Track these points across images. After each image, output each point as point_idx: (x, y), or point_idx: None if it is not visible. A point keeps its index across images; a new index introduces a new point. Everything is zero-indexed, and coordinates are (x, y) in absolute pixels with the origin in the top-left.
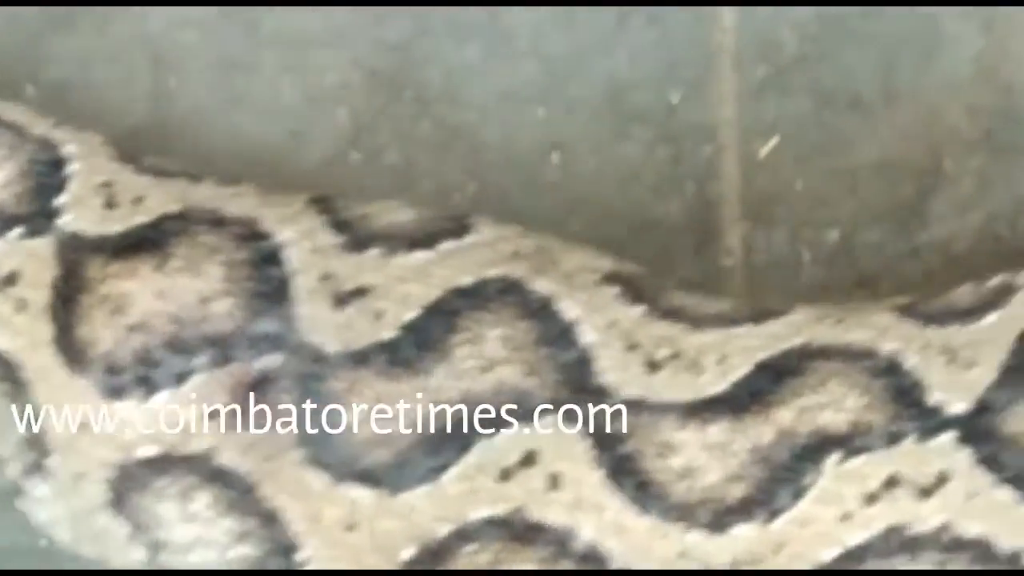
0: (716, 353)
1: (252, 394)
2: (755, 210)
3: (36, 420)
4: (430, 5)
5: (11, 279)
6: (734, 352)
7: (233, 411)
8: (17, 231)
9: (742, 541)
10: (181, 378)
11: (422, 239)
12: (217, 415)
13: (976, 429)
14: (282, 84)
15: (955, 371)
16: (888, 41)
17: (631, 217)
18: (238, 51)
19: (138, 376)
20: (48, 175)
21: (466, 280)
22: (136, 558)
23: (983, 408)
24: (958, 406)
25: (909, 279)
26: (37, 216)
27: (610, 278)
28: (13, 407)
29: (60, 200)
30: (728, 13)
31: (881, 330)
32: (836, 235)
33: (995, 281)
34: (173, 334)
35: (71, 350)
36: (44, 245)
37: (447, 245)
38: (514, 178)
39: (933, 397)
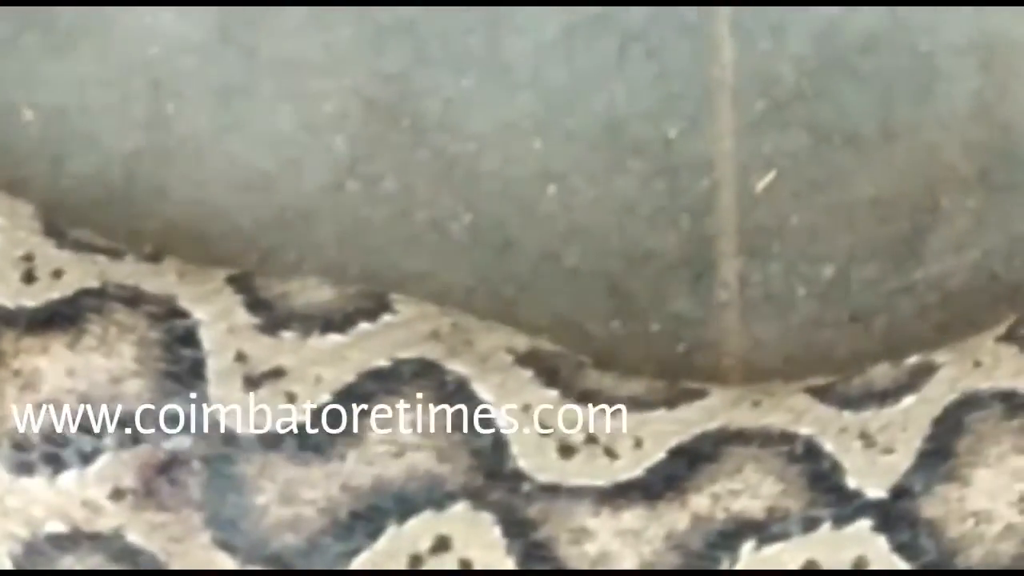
0: (631, 438)
1: (160, 476)
2: (751, 244)
3: None
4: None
5: None
6: (648, 437)
7: (140, 492)
8: None
9: None
10: (89, 458)
11: (338, 321)
12: (124, 495)
13: (893, 515)
14: (280, 111)
15: (872, 456)
16: (886, 78)
17: (627, 249)
18: (236, 77)
19: (46, 454)
20: None
21: (380, 362)
22: None
23: (900, 493)
24: (875, 491)
25: (903, 315)
26: None
27: (525, 359)
28: None
29: None
30: (727, 48)
31: (798, 414)
32: (831, 270)
33: (913, 360)
34: (83, 413)
35: None
36: None
37: (363, 327)
38: (511, 208)
39: (850, 482)
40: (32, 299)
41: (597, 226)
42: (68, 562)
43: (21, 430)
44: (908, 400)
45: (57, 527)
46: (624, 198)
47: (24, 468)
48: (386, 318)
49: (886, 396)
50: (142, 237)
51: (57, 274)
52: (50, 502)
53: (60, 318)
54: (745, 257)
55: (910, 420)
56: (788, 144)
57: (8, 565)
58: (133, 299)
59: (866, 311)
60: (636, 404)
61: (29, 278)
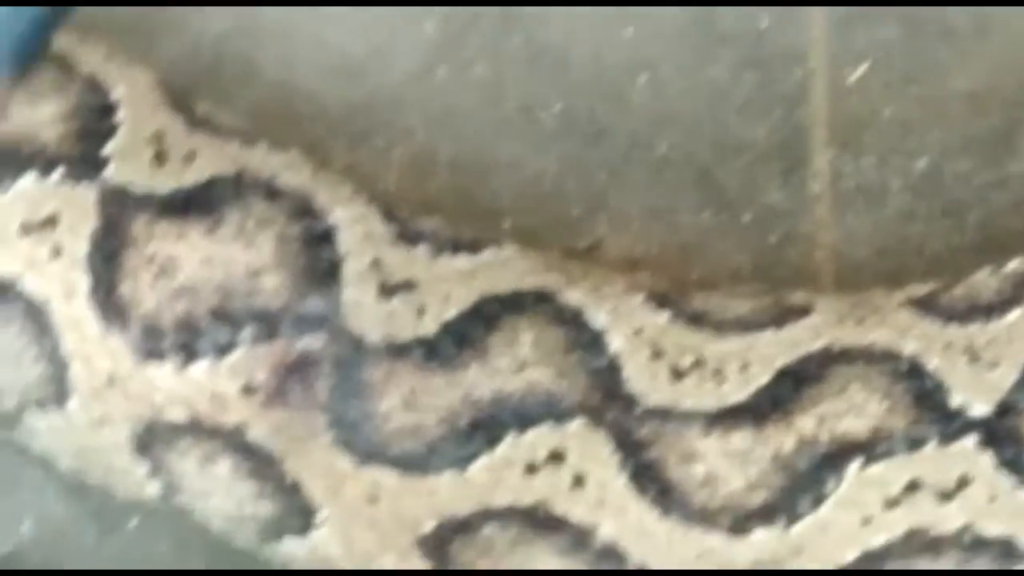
0: (738, 361)
1: (291, 374)
2: (843, 136)
3: (60, 365)
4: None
5: (49, 222)
6: (755, 360)
7: (270, 389)
8: (58, 174)
9: (762, 544)
10: (224, 349)
11: (465, 244)
12: (254, 391)
13: (998, 431)
14: None
15: (977, 372)
16: None
17: (719, 140)
18: None
19: (179, 342)
20: (96, 120)
21: (504, 288)
22: (150, 492)
23: (1005, 409)
24: (980, 408)
25: (997, 209)
26: (81, 162)
27: (635, 286)
28: (32, 346)
29: (107, 149)
30: None
31: (902, 330)
32: (924, 163)
33: (1015, 266)
34: (220, 304)
35: (109, 306)
36: (86, 193)
37: (487, 254)
38: (601, 97)
39: (955, 399)
40: (165, 183)
41: (688, 116)
42: (185, 443)
43: (154, 316)
44: (1014, 313)
45: (177, 416)
46: (715, 88)
47: (154, 354)
48: (507, 250)
49: (991, 310)
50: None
51: (190, 157)
52: (175, 390)
53: (196, 205)
54: (837, 149)
55: (1016, 334)
56: (881, 36)
57: (127, 438)
58: (271, 192)
59: (959, 205)
60: (743, 325)
61: (160, 159)
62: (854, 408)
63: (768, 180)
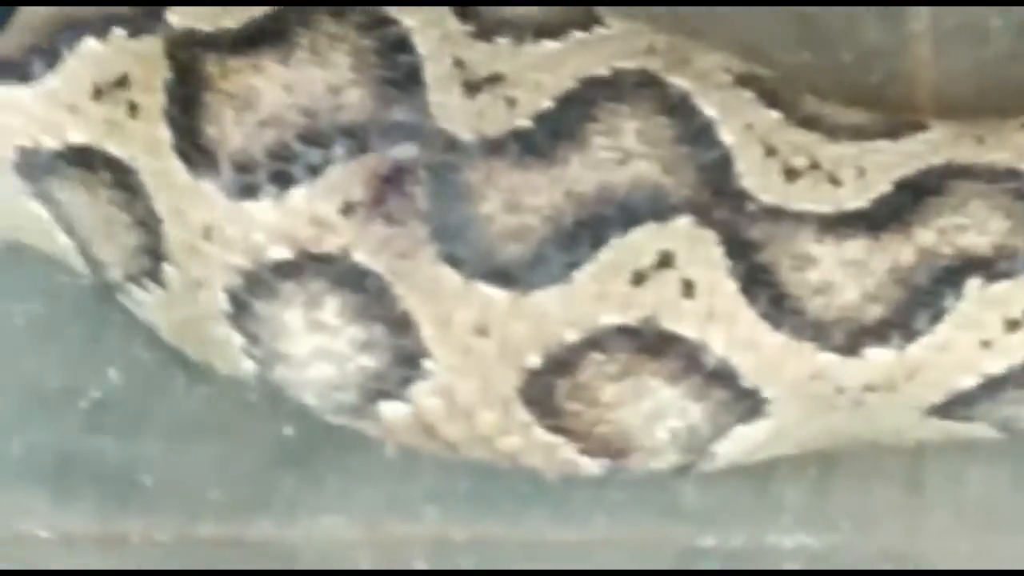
0: (854, 166)
1: (388, 185)
2: None
3: (153, 228)
4: None
5: (121, 82)
6: (872, 167)
7: (369, 203)
8: (120, 31)
9: (876, 365)
10: (318, 170)
11: (551, 29)
12: (353, 209)
13: None
14: None
15: None
16: None
17: None
18: None
19: (273, 172)
20: None
21: (600, 71)
22: (245, 368)
23: None
24: None
25: None
26: (141, 15)
27: (744, 79)
28: (123, 214)
29: None
30: None
31: (1022, 152)
32: None
33: None
34: (307, 126)
35: (196, 152)
36: (152, 44)
37: (577, 35)
38: None
39: None
40: (231, 20)
41: None
42: (289, 289)
43: (244, 151)
44: None
45: (282, 252)
46: None
47: (248, 191)
48: (599, 30)
49: None
50: None
51: None
52: (275, 225)
53: (265, 36)
54: None
55: None
56: None
57: (224, 300)
58: (337, 10)
59: None
60: (858, 133)
61: None
62: (976, 224)
63: (868, 19)
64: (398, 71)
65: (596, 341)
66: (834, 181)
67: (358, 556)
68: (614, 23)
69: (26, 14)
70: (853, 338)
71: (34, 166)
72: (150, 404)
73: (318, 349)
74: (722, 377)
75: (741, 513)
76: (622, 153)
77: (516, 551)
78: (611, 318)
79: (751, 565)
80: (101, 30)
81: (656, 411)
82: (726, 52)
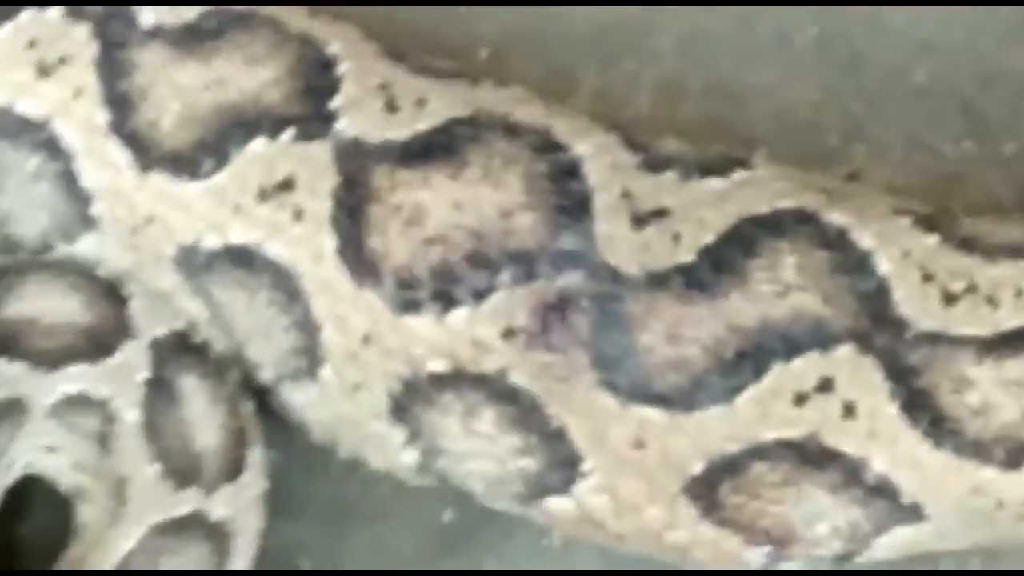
0: (1012, 287)
1: (552, 314)
2: None
3: (312, 331)
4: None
5: (286, 185)
6: None
7: (532, 330)
8: (289, 134)
9: None
10: (482, 295)
11: (715, 166)
12: (515, 334)
13: None
14: None
15: None
16: None
17: (979, 68)
18: None
19: (436, 291)
20: (318, 75)
21: (761, 209)
22: (407, 461)
23: None
24: None
25: None
26: (310, 119)
27: (901, 209)
28: (281, 316)
29: (335, 103)
30: None
31: None
32: None
33: None
34: (474, 248)
35: (360, 263)
36: (321, 150)
37: (739, 175)
38: (858, 22)
39: None
40: (401, 130)
41: (947, 44)
42: (447, 399)
43: (408, 267)
44: None
45: (440, 366)
46: (975, 16)
47: (411, 306)
48: (759, 171)
49: None
50: (477, 43)
51: (421, 103)
52: (435, 341)
53: (437, 149)
54: None
55: None
56: None
57: (386, 402)
58: (510, 129)
59: None
60: (1015, 251)
61: (391, 108)
62: None
63: None
64: (569, 198)
65: (758, 452)
66: (992, 303)
67: None
68: (769, 166)
69: (190, 107)
70: (1014, 455)
71: (194, 264)
72: (309, 487)
73: (478, 451)
74: (883, 492)
75: None
76: (782, 286)
77: None
78: (772, 433)
79: None
80: (272, 131)
81: (817, 512)
82: (886, 144)
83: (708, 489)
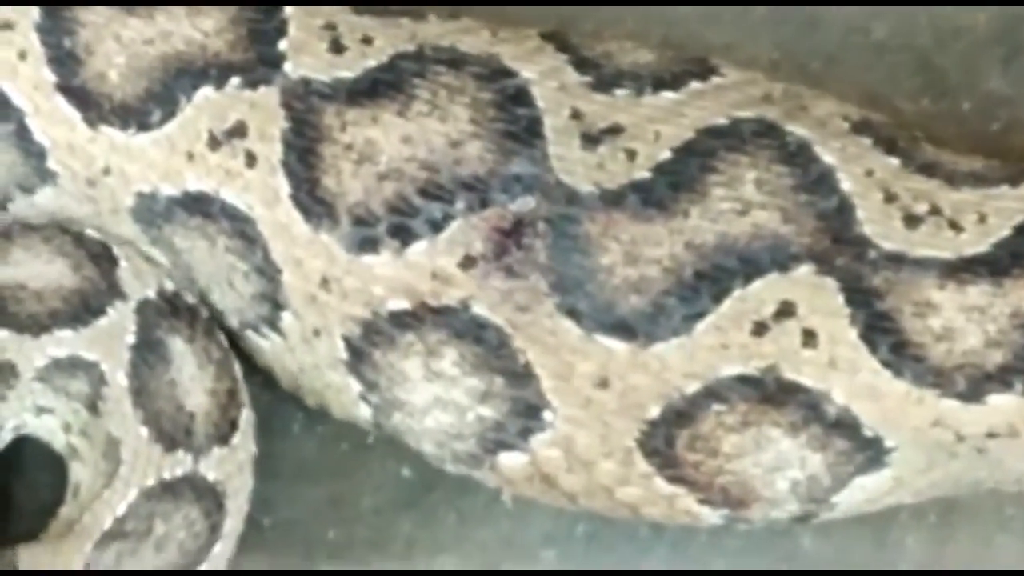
0: (975, 212)
1: (509, 239)
2: None
3: (271, 277)
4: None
5: (237, 131)
6: (993, 212)
7: (490, 256)
8: (237, 80)
9: (999, 411)
10: (439, 226)
11: (668, 80)
12: (474, 263)
13: None
14: None
15: None
16: None
17: (936, 24)
18: None
19: (392, 226)
20: (262, 20)
21: (718, 120)
22: (362, 414)
23: None
24: None
25: None
26: (257, 64)
27: (861, 127)
28: (241, 262)
29: (280, 46)
30: None
31: None
32: None
33: None
34: (427, 180)
35: (315, 204)
36: (269, 94)
37: (695, 86)
38: None
39: None
40: (347, 70)
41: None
42: (408, 339)
43: (364, 205)
44: None
45: (401, 304)
46: None
47: (367, 244)
48: (715, 79)
49: None
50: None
51: (367, 41)
52: (394, 278)
53: (383, 86)
54: None
55: None
56: None
57: (343, 349)
58: (454, 60)
59: None
60: (977, 179)
61: (337, 47)
62: None
63: (988, 66)
64: (518, 123)
65: (715, 391)
66: (955, 227)
67: None
68: (730, 72)
69: (136, 59)
70: (975, 385)
71: (152, 213)
72: (269, 445)
73: (436, 398)
74: (842, 428)
75: (860, 561)
76: (742, 203)
77: None
78: (731, 369)
79: None
80: (220, 79)
81: (776, 462)
82: (844, 100)
83: (665, 443)
